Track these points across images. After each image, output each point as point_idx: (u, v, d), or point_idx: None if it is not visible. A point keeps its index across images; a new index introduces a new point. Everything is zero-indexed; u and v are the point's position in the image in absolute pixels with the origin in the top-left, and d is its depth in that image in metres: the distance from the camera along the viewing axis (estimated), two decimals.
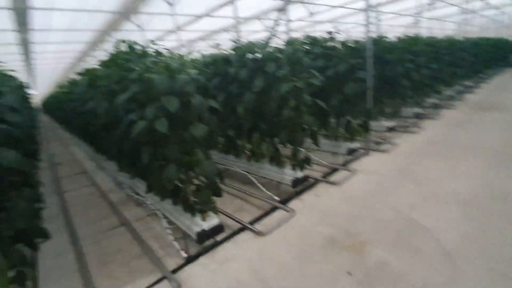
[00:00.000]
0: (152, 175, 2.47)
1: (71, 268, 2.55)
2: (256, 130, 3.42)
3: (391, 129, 5.43)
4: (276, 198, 3.29)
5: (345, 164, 4.13)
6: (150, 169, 2.51)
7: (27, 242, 1.66)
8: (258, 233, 2.61)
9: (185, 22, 11.81)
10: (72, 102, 5.40)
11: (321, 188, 3.49)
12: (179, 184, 2.26)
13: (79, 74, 3.68)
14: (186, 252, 2.42)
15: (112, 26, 11.93)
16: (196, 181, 2.39)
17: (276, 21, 3.93)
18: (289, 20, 8.31)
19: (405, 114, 6.16)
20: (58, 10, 8.30)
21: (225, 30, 14.88)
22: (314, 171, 3.96)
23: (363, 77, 3.78)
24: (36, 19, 9.44)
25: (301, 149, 3.27)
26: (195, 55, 5.14)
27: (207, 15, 10.55)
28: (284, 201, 3.22)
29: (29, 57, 16.08)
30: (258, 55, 3.17)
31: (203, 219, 2.34)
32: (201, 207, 2.17)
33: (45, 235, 2.10)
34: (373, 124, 5.35)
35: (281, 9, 4.09)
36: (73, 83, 4.77)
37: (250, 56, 3.18)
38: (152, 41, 2.42)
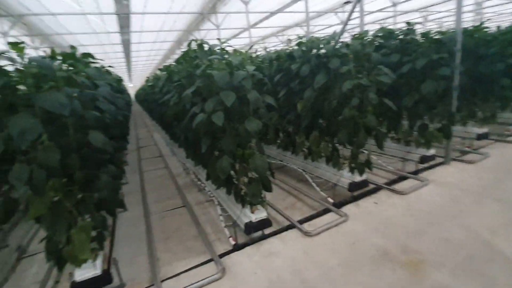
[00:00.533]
0: (210, 164, 2.67)
1: (140, 237, 2.96)
2: (315, 128, 3.33)
3: (482, 137, 4.59)
4: (330, 200, 3.17)
5: (415, 173, 3.69)
6: (208, 159, 2.71)
7: (108, 210, 1.99)
8: (306, 233, 2.57)
9: (258, 19, 12.14)
10: (154, 94, 6.17)
11: (382, 195, 3.21)
12: (233, 175, 2.38)
13: (160, 70, 4.17)
14: (234, 240, 2.55)
15: (193, 26, 13.09)
16: (249, 174, 2.49)
17: (350, 13, 3.71)
18: (365, 12, 7.72)
19: (502, 120, 5.13)
20: (150, 14, 9.51)
21: (297, 25, 14.74)
22: (376, 176, 3.66)
23: (447, 75, 3.28)
24: (134, 22, 11.02)
25: (362, 151, 3.05)
26: (262, 51, 5.25)
27: (280, 11, 10.59)
28: (338, 205, 3.07)
29: (128, 55, 18.91)
30: (323, 51, 3.06)
31: (252, 211, 2.42)
32: (251, 200, 2.25)
33: (123, 206, 2.49)
34: (458, 129, 4.62)
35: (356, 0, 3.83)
36: (156, 77, 5.43)
37: (314, 51, 3.10)
38: (219, 39, 2.58)
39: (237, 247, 2.48)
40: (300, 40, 3.31)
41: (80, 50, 2.25)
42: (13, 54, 1.47)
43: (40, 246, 3.10)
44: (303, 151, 3.83)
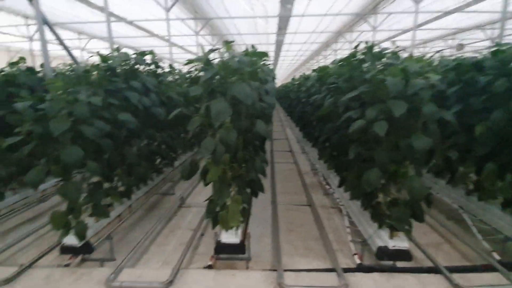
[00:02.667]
0: (351, 172, 2.54)
1: (267, 221, 3.21)
2: (495, 159, 2.58)
3: None
4: (496, 256, 2.41)
5: None
6: (350, 167, 2.59)
7: (253, 190, 2.24)
8: (456, 286, 2.06)
9: (424, 19, 10.53)
10: (298, 93, 6.47)
11: None
12: (377, 191, 2.18)
13: (314, 70, 4.30)
14: (360, 259, 2.36)
15: (345, 28, 12.81)
16: (395, 194, 2.21)
17: None
18: None
19: None
20: (309, 16, 9.94)
21: (479, 27, 11.86)
22: None
23: None
24: (291, 24, 11.86)
25: None
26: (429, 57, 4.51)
27: (458, 10, 8.77)
28: (509, 266, 2.29)
29: (278, 54, 20.69)
30: None
31: (391, 237, 2.15)
32: (393, 224, 1.99)
33: (262, 189, 2.75)
34: None
35: None
36: (305, 77, 5.65)
37: None
38: (384, 41, 2.38)
39: (362, 268, 2.28)
40: (499, 47, 2.60)
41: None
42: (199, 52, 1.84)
43: (192, 200, 3.92)
44: (465, 184, 3.08)
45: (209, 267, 2.27)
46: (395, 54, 2.29)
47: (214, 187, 1.86)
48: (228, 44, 1.74)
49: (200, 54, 1.96)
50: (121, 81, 2.55)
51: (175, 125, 4.18)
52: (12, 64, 3.06)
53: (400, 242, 2.17)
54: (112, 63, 2.51)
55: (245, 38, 14.52)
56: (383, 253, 2.18)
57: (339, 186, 3.19)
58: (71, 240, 2.17)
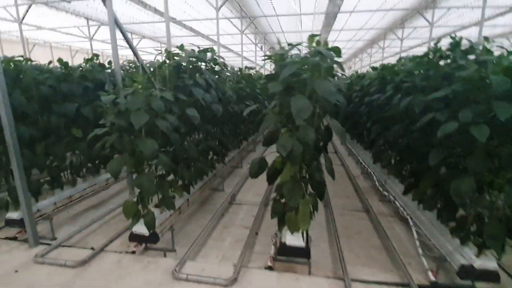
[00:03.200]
0: (426, 180, 2.32)
1: (322, 225, 3.09)
2: None
3: None
4: None
5: None
6: (424, 174, 2.37)
7: (319, 192, 2.13)
8: None
9: (487, 15, 9.49)
10: (348, 91, 6.17)
11: None
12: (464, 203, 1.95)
13: (373, 68, 4.05)
14: (435, 276, 2.14)
15: (395, 24, 12.04)
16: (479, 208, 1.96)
17: None
18: None
19: None
20: (357, 12, 9.49)
21: None
22: None
23: None
24: (337, 21, 11.44)
25: None
26: None
27: None
28: None
29: None
30: None
31: (477, 255, 1.91)
32: (487, 241, 1.76)
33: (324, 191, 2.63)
34: None
35: None
36: (359, 76, 5.38)
37: None
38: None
39: (439, 287, 2.07)
40: None
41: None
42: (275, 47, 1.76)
43: (242, 198, 3.92)
44: None
45: (269, 268, 2.23)
46: (488, 50, 2.03)
47: (285, 187, 1.80)
48: (312, 38, 1.66)
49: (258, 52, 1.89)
50: (187, 78, 2.60)
51: (227, 122, 4.22)
52: (88, 61, 3.30)
53: (487, 262, 1.92)
54: (180, 59, 2.56)
55: (288, 36, 14.36)
56: (467, 272, 1.95)
57: (404, 193, 2.96)
58: (140, 229, 2.26)
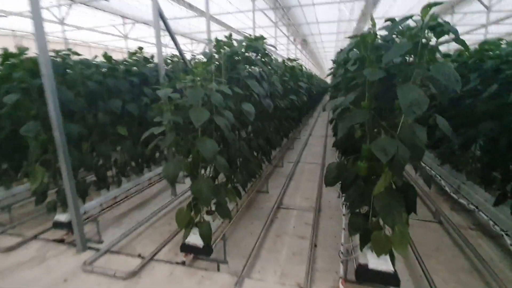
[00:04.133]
0: None
1: None
2: None
3: None
4: None
5: None
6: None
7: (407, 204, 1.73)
8: None
9: None
10: None
11: None
12: None
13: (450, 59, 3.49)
14: None
15: (443, 10, 10.96)
16: None
17: None
18: None
19: None
20: None
21: None
22: None
23: None
24: (379, 9, 10.64)
25: None
26: None
27: None
28: None
29: None
30: None
31: None
32: None
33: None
34: None
35: None
36: None
37: None
38: None
39: None
40: None
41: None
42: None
43: (290, 201, 3.58)
44: None
45: None
46: None
47: (379, 201, 1.43)
48: (427, 8, 1.26)
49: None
50: (242, 68, 2.30)
51: (273, 118, 3.90)
52: (132, 54, 3.13)
53: None
54: (236, 47, 2.27)
55: (322, 27, 13.69)
56: None
57: (496, 204, 2.45)
58: (193, 239, 2.01)
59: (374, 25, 1.49)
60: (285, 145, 5.93)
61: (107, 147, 2.84)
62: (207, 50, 2.97)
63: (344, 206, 2.82)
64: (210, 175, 2.08)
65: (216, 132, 2.06)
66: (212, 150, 1.64)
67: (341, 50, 3.68)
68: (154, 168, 3.79)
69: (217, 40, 2.47)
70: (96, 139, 2.81)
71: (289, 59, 5.02)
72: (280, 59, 5.57)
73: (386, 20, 1.43)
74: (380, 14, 11.24)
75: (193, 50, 16.76)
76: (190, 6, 9.31)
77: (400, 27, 1.37)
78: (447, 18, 11.22)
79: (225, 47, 2.44)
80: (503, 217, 2.42)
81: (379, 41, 1.53)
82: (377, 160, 1.57)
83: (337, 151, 5.24)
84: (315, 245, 2.58)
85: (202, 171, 2.04)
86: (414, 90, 1.22)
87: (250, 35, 3.03)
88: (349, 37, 1.68)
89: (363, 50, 1.54)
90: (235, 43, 2.38)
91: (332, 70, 3.17)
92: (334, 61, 4.83)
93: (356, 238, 2.11)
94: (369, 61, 1.51)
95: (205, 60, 2.33)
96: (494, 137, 2.30)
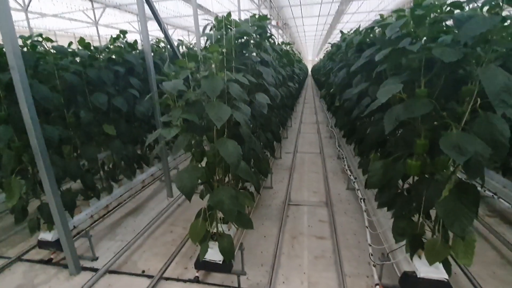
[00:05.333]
0: None
1: None
2: None
3: None
4: None
5: None
6: None
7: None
8: None
9: None
10: None
11: None
12: None
13: None
14: None
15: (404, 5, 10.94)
16: None
17: None
18: None
19: None
20: None
21: None
22: None
23: None
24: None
25: None
26: None
27: None
28: None
29: (333, 27, 19.00)
30: None
31: None
32: None
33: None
34: None
35: None
36: None
37: None
38: None
39: None
40: None
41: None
42: None
43: (297, 197, 3.30)
44: None
45: None
46: None
47: (441, 205, 1.22)
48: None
49: None
50: (254, 54, 1.98)
51: (276, 107, 3.61)
52: (114, 40, 2.69)
53: None
54: (245, 28, 1.93)
55: (304, 9, 13.32)
56: None
57: None
58: (210, 255, 1.74)
59: None
60: (280, 134, 5.69)
61: (93, 150, 2.44)
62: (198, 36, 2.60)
63: (362, 201, 2.64)
64: (227, 181, 1.80)
65: (228, 128, 1.76)
66: (236, 154, 1.35)
67: (349, 31, 3.40)
68: (146, 168, 3.42)
69: (220, 20, 2.11)
70: (80, 141, 2.41)
71: (283, 43, 4.69)
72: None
73: None
74: (353, 10, 11.04)
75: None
76: None
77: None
78: None
79: (230, 27, 2.10)
80: None
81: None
82: (432, 157, 1.36)
83: (336, 139, 5.09)
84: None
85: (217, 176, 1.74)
86: (502, 74, 0.99)
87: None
88: (394, 12, 1.40)
89: (415, 25, 1.28)
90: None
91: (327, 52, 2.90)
92: (333, 45, 4.58)
93: (389, 238, 1.93)
94: (422, 39, 1.26)
95: (208, 43, 1.99)
96: None
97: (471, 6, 1.19)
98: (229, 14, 2.27)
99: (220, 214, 1.88)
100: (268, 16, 2.30)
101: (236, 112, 1.51)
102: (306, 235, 2.58)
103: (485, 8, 1.07)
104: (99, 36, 10.72)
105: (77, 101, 2.39)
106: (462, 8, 1.27)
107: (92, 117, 2.38)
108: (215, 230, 1.81)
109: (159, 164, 3.62)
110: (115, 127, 2.63)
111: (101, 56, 2.59)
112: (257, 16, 2.34)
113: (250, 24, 2.14)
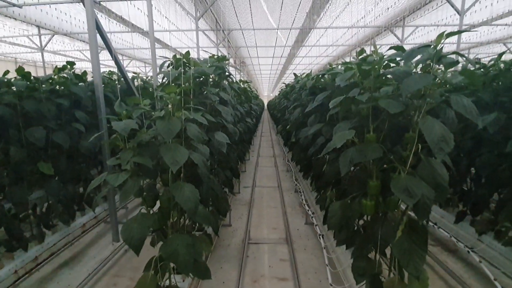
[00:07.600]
0: None
1: None
2: None
3: None
4: None
5: None
6: None
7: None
8: None
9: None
10: None
11: None
12: None
13: None
14: None
15: (363, 41, 12.57)
16: None
17: None
18: None
19: None
20: (334, 28, 9.61)
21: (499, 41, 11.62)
22: None
23: None
24: (312, 38, 11.56)
25: None
26: None
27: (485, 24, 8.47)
28: None
29: (286, 67, 20.45)
30: None
31: None
32: None
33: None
34: None
35: None
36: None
37: None
38: None
39: None
40: None
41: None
42: None
43: (257, 234, 3.22)
44: None
45: None
46: None
47: (398, 246, 1.26)
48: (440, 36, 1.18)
49: None
50: (212, 92, 1.98)
51: (233, 144, 3.60)
52: (59, 70, 2.49)
53: None
54: (204, 69, 1.94)
55: (260, 50, 14.22)
56: None
57: (456, 222, 2.60)
58: None
59: (376, 52, 1.39)
60: (239, 169, 5.65)
61: (23, 192, 2.11)
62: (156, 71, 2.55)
63: (321, 237, 2.65)
64: (182, 224, 1.66)
65: (185, 168, 1.67)
66: (194, 199, 1.26)
67: (302, 74, 3.69)
68: (88, 211, 3.05)
69: (178, 59, 2.11)
70: (8, 182, 2.07)
71: (241, 80, 4.86)
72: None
73: (390, 48, 1.34)
74: (312, 42, 12.28)
75: (125, 67, 15.42)
76: (133, 26, 8.54)
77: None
78: (367, 48, 12.90)
79: (189, 65, 2.10)
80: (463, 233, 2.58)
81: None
82: (384, 197, 1.43)
83: (293, 173, 5.23)
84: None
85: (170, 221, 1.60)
86: (438, 124, 1.11)
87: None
88: (342, 64, 1.55)
89: (361, 77, 1.41)
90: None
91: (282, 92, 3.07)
92: (287, 85, 4.89)
93: (349, 277, 1.93)
94: (368, 89, 1.39)
95: (165, 81, 1.94)
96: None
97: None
98: (187, 53, 2.29)
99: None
100: (226, 55, 2.40)
101: (194, 154, 1.45)
102: (267, 277, 2.46)
103: (419, 66, 1.24)
104: (43, 63, 9.96)
105: (8, 136, 2.09)
106: (397, 63, 1.46)
107: (24, 154, 2.09)
108: (168, 283, 1.62)
109: (105, 203, 3.27)
110: (54, 164, 2.34)
111: (42, 87, 2.36)
112: (215, 57, 2.40)
113: (209, 64, 2.17)
